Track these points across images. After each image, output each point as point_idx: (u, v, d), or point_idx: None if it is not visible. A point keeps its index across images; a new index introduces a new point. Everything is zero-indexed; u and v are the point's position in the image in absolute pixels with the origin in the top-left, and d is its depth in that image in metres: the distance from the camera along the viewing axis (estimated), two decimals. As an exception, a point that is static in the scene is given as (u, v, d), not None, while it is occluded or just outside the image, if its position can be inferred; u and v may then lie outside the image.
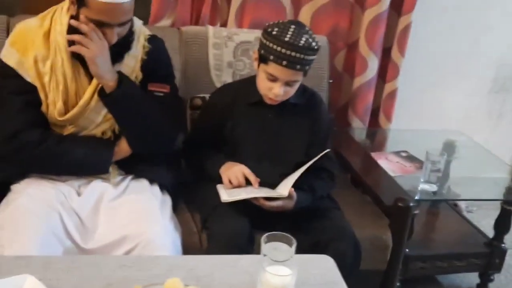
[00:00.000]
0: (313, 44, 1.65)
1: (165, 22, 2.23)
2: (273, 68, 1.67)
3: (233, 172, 1.73)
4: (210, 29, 2.19)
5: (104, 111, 1.63)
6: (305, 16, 2.38)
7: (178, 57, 2.10)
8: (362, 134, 2.60)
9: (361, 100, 2.54)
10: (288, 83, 1.70)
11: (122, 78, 1.59)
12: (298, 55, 1.63)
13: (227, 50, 2.18)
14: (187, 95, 2.13)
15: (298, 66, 1.65)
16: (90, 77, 1.61)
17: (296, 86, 1.75)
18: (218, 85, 2.14)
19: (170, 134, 1.73)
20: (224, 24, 2.32)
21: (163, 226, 1.57)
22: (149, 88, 1.68)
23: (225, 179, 1.74)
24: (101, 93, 1.59)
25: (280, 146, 1.83)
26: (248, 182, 1.74)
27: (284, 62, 1.64)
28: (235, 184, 1.72)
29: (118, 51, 1.61)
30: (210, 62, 2.17)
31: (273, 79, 1.69)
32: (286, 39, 1.62)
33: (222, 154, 1.83)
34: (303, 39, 1.63)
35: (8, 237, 1.43)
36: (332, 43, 2.41)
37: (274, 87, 1.70)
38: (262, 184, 1.75)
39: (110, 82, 1.56)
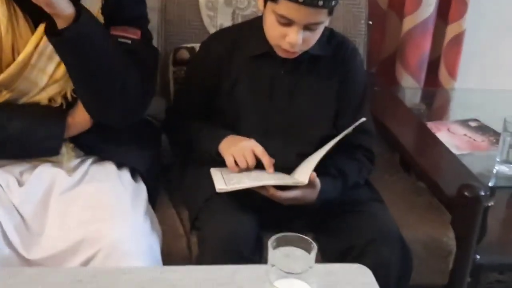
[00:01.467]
0: None
1: None
2: (285, 7, 1.65)
3: (239, 150, 1.73)
4: (200, -49, 2.18)
5: (51, 68, 1.63)
6: None
7: (155, -7, 2.11)
8: (416, 97, 2.60)
9: (414, 49, 2.55)
10: (307, 27, 1.69)
11: (81, 11, 1.56)
12: None
13: (224, -19, 2.19)
14: (169, 46, 2.14)
15: (321, 2, 1.63)
16: (33, 25, 1.61)
17: (320, 30, 1.73)
18: (212, 30, 2.15)
19: (141, 95, 1.73)
20: None
21: (135, 226, 1.57)
22: (111, 33, 1.67)
23: (229, 159, 1.74)
24: (51, 30, 1.55)
25: (297, 115, 1.83)
26: (258, 165, 1.75)
27: None
28: (243, 166, 1.72)
29: None
30: (201, -2, 2.17)
31: (286, 22, 1.68)
32: None
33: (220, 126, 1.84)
34: None
35: None
36: (372, -31, 2.40)
37: (289, 33, 1.69)
38: (274, 167, 1.74)
39: (65, 12, 1.52)
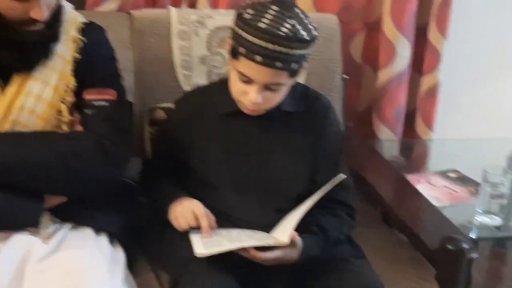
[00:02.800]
0: (302, 33, 1.64)
1: (109, 5, 2.24)
2: (244, 65, 1.67)
3: (181, 211, 1.75)
4: (173, 12, 2.19)
5: (32, 122, 1.64)
6: (305, -12, 2.40)
7: (129, 53, 2.12)
8: (393, 149, 2.62)
9: (390, 101, 2.57)
10: (268, 87, 1.70)
11: None
12: (277, 48, 1.62)
13: (199, 41, 2.19)
14: (145, 106, 2.13)
15: (279, 64, 1.64)
16: (4, 83, 1.61)
17: (282, 91, 1.75)
18: (188, 89, 2.14)
19: (115, 162, 1.72)
20: (192, 5, 2.33)
21: (113, 293, 1.56)
22: (85, 97, 1.67)
23: (171, 220, 1.77)
24: None
25: (272, 172, 1.83)
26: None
27: (258, 58, 1.63)
28: (183, 226, 1.73)
29: (42, 42, 1.61)
30: (175, 58, 2.17)
31: (247, 80, 1.70)
32: (262, 25, 1.62)
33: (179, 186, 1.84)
34: (287, 25, 1.62)
35: None
36: (345, 24, 2.42)
37: (249, 92, 1.71)
38: (251, 227, 1.74)
39: None
